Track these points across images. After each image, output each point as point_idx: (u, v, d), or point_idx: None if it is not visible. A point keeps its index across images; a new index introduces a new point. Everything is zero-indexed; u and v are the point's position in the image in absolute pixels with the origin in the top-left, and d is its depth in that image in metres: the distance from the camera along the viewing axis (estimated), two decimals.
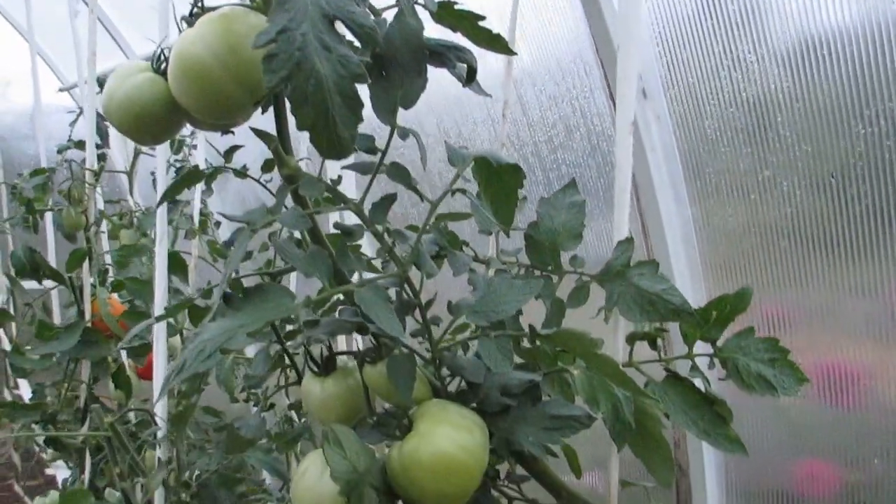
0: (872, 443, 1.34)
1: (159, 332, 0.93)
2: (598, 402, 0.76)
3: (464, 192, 0.67)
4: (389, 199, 0.68)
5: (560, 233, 0.87)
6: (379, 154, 0.67)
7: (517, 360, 0.84)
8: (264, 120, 0.70)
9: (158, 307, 0.94)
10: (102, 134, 2.30)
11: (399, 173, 0.67)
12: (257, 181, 0.79)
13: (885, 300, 1.09)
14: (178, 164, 2.54)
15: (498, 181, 0.79)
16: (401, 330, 0.60)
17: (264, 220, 0.62)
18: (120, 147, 3.08)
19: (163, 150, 1.15)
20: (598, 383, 0.77)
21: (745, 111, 1.07)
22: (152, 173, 2.38)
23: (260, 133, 0.69)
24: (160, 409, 0.94)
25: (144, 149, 2.35)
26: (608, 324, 0.88)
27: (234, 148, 0.80)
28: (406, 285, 0.69)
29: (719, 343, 0.84)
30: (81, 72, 1.47)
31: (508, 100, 1.02)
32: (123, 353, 1.32)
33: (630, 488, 0.92)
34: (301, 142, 1.23)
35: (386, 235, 0.68)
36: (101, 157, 2.10)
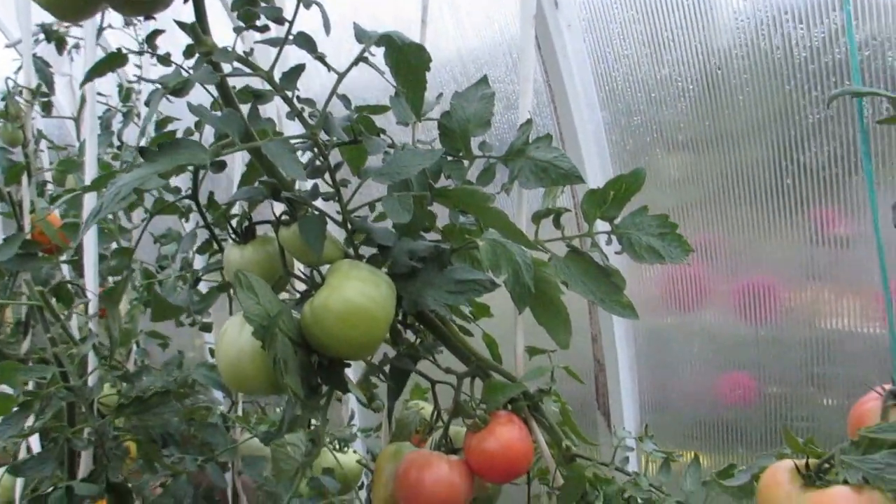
0: (787, 357, 1.43)
1: (88, 205, 0.96)
2: (501, 267, 0.83)
3: (366, 60, 0.73)
4: (298, 69, 0.73)
5: (470, 121, 0.93)
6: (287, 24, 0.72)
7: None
8: None
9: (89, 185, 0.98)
10: (48, 81, 2.29)
11: (305, 42, 0.72)
12: (179, 66, 0.83)
13: (794, 203, 1.16)
14: (125, 109, 2.54)
15: (405, 64, 0.85)
16: (303, 174, 0.66)
17: (177, 79, 0.67)
18: (67, 95, 3.05)
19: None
20: (501, 251, 0.84)
21: (643, 14, 1.14)
22: (100, 118, 2.38)
23: (180, 23, 0.74)
24: (90, 284, 0.98)
25: (91, 95, 2.36)
26: (514, 206, 0.95)
27: (157, 32, 0.84)
28: (316, 148, 0.74)
29: (617, 221, 0.91)
30: None
31: (427, 4, 1.07)
32: (65, 269, 1.35)
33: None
34: None
35: (296, 101, 0.73)
36: (46, 106, 2.10)
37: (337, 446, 1.43)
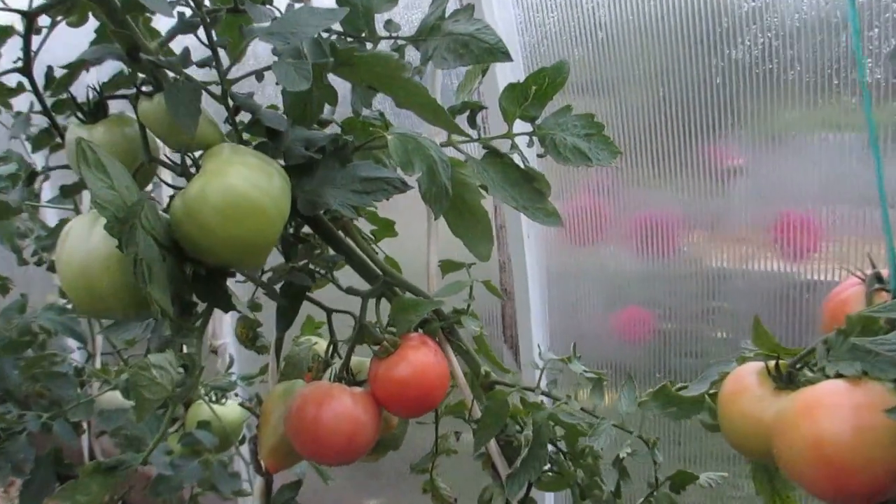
0: (680, 292, 1.41)
1: None
2: (413, 164, 0.70)
3: None
4: None
5: None
6: None
7: None
8: None
9: None
10: None
11: None
12: None
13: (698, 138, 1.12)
14: None
15: None
16: (168, 9, 0.50)
17: None
18: None
19: None
20: (413, 146, 0.71)
21: None
22: None
23: None
24: None
25: None
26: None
27: None
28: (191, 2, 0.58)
29: (539, 121, 0.81)
30: None
31: None
32: None
33: None
34: None
35: None
36: None
37: (213, 398, 1.27)
